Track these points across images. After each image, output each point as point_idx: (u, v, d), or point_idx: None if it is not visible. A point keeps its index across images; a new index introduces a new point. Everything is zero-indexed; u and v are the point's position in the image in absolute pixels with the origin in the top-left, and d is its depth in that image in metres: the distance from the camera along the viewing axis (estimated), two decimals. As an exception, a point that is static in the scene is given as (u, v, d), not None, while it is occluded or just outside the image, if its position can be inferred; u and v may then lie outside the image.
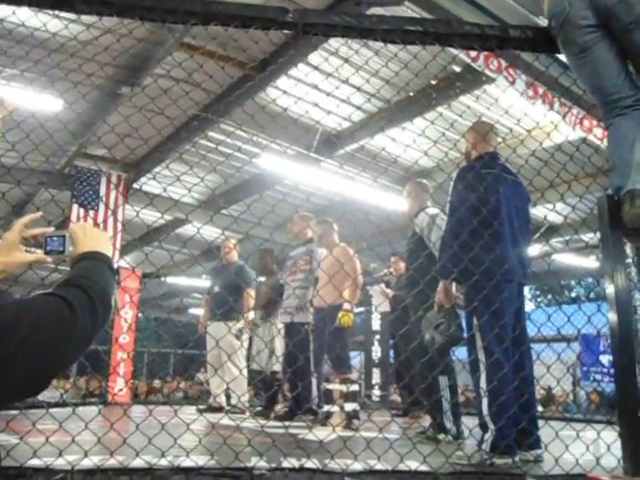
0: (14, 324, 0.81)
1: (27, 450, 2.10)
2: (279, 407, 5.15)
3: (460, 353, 3.52)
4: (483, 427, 2.47)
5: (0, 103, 2.40)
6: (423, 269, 2.73)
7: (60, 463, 2.01)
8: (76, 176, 7.13)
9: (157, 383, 8.61)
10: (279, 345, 4.97)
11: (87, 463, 2.03)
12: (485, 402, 2.42)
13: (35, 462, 2.00)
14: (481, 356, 2.48)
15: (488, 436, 2.41)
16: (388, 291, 5.30)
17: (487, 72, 3.83)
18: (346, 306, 4.03)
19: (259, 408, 5.26)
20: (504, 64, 3.75)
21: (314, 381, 4.44)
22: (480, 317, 2.44)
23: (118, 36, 4.36)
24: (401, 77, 4.81)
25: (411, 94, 5.33)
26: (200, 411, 4.45)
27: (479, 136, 2.81)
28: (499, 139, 3.08)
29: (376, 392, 7.19)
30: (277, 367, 5.00)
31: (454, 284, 2.72)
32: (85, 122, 6.13)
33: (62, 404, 4.26)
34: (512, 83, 3.88)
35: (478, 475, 2.03)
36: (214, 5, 1.82)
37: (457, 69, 4.77)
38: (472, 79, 4.75)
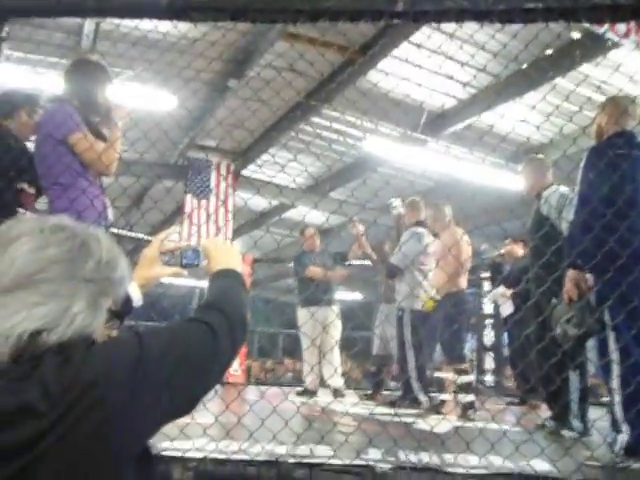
0: (167, 352, 0.85)
1: (159, 434, 2.25)
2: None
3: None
4: (616, 428, 2.29)
5: (120, 109, 2.55)
6: (553, 255, 2.48)
7: (187, 447, 2.14)
8: (188, 167, 7.48)
9: (269, 364, 8.95)
10: (389, 329, 4.94)
11: (211, 447, 2.16)
12: (619, 405, 2.25)
13: (165, 444, 2.15)
14: (615, 357, 2.28)
15: (622, 437, 2.24)
16: (507, 292, 5.03)
17: (612, 37, 3.46)
18: (434, 295, 3.95)
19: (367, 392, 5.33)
20: (634, 27, 3.37)
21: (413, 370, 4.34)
22: (615, 315, 2.24)
23: (224, 31, 4.50)
24: (511, 49, 4.55)
25: (524, 66, 5.00)
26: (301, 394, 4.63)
27: (617, 111, 2.48)
28: None
29: (489, 378, 6.98)
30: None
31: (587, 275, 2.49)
32: (196, 116, 6.40)
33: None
34: (642, 48, 3.49)
35: (614, 483, 1.89)
36: (322, 1, 1.79)
37: (576, 36, 4.40)
38: (593, 46, 4.34)
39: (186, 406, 0.90)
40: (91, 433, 0.75)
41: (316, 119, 6.37)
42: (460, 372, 3.83)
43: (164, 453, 2.06)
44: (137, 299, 1.20)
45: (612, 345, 2.30)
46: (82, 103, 2.48)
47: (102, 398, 0.76)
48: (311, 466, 1.93)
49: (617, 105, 2.56)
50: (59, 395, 0.74)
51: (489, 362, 7.08)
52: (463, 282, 4.02)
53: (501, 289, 5.16)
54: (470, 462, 2.11)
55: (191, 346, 0.89)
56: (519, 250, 5.03)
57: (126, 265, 0.97)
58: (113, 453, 0.77)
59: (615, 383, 2.27)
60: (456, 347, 3.92)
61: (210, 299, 1.06)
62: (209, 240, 1.22)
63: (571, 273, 2.46)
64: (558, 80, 4.94)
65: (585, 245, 2.22)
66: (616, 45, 3.82)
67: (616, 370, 2.26)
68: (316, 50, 4.97)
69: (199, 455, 2.05)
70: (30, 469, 0.72)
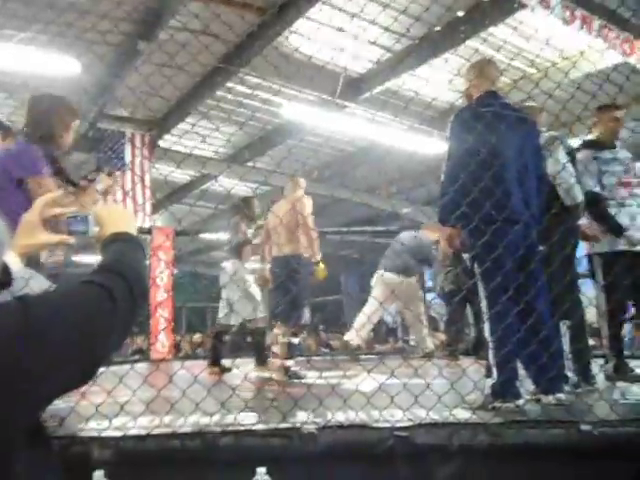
0: (57, 318, 0.79)
1: (75, 416, 2.13)
2: None
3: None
4: (488, 374, 2.43)
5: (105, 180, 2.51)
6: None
7: (104, 426, 2.04)
8: (100, 139, 7.08)
9: (197, 338, 8.82)
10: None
11: (130, 423, 2.07)
12: (490, 350, 2.38)
13: (86, 425, 2.04)
14: (484, 306, 2.41)
15: (490, 381, 2.38)
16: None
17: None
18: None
19: None
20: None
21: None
22: (481, 264, 2.35)
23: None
24: (424, 10, 4.58)
25: (437, 28, 5.04)
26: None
27: (479, 74, 2.65)
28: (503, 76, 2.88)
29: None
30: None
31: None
32: (104, 83, 6.01)
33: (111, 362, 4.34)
34: (547, 8, 3.60)
35: (529, 424, 1.99)
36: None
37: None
38: (503, 7, 4.45)
39: (81, 377, 0.84)
40: None
41: (234, 85, 6.17)
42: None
43: (80, 434, 1.96)
44: (17, 270, 1.07)
45: (481, 294, 2.42)
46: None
47: None
48: (236, 433, 1.89)
49: (479, 67, 2.69)
50: None
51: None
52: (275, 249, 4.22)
53: None
54: (395, 416, 2.13)
55: (85, 312, 0.83)
56: None
57: (4, 231, 0.88)
58: None
59: (486, 331, 2.40)
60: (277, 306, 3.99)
61: (106, 262, 0.98)
62: (102, 206, 1.15)
63: (442, 230, 2.58)
64: (471, 42, 5.03)
65: (452, 195, 2.33)
66: (523, 5, 3.92)
67: (486, 319, 2.39)
68: (231, 11, 4.76)
69: (118, 433, 1.95)
70: None
